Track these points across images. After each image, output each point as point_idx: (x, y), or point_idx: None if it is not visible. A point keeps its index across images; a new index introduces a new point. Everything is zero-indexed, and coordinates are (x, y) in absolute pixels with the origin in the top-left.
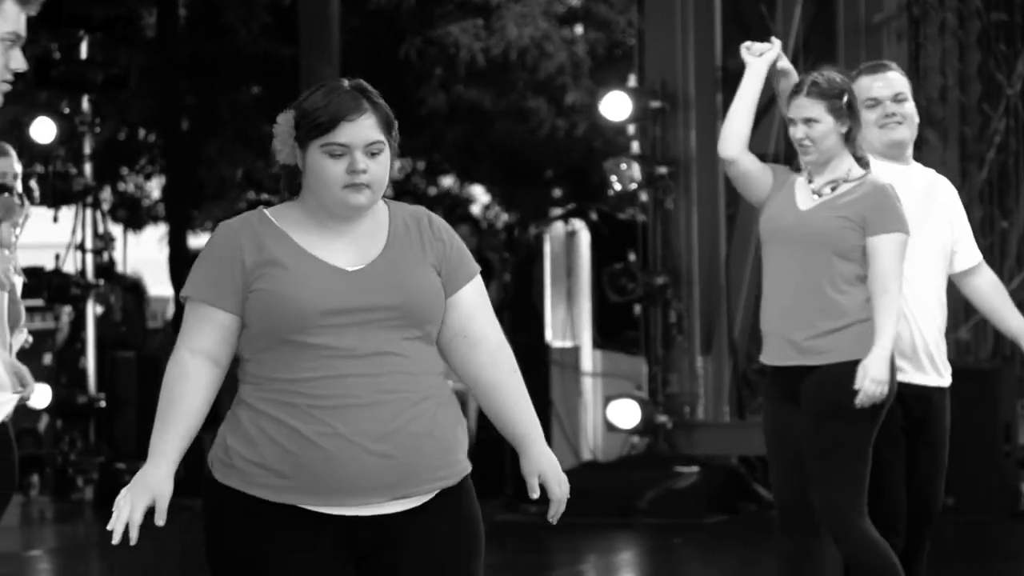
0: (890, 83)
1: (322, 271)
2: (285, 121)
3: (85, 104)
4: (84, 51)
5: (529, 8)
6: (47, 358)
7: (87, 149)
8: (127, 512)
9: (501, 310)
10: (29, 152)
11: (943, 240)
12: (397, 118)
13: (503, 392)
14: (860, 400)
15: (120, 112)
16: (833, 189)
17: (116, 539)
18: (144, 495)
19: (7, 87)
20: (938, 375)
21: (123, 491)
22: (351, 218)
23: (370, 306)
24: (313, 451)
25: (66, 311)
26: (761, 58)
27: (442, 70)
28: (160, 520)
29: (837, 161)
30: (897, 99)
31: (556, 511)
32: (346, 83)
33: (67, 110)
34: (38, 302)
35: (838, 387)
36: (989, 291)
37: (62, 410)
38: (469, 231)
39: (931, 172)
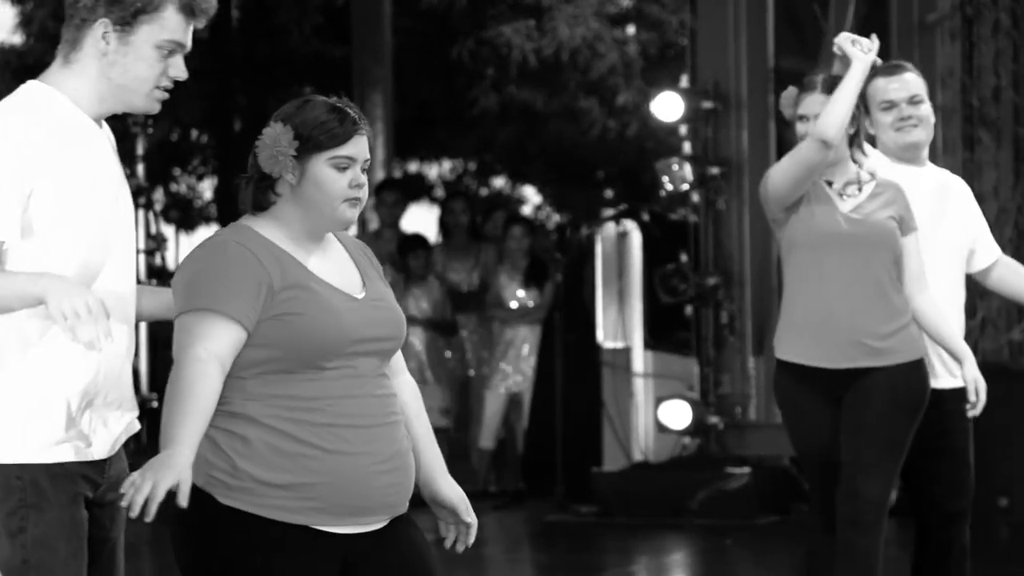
0: (906, 85)
1: (340, 298)
2: (280, 132)
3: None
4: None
5: (581, 9)
6: None
7: (140, 150)
8: (148, 488)
9: (552, 311)
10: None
11: (958, 241)
12: (449, 118)
13: (421, 423)
14: (978, 410)
15: (173, 113)
16: (859, 190)
17: (135, 513)
18: (169, 476)
19: (165, 95)
20: (951, 376)
21: (138, 472)
22: (327, 233)
23: (385, 335)
24: (333, 471)
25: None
26: (869, 55)
27: (494, 71)
28: (184, 502)
29: (845, 162)
30: (913, 101)
31: (472, 536)
32: (336, 99)
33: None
34: None
35: (908, 386)
36: (1012, 276)
37: None
38: (523, 232)
39: (944, 173)
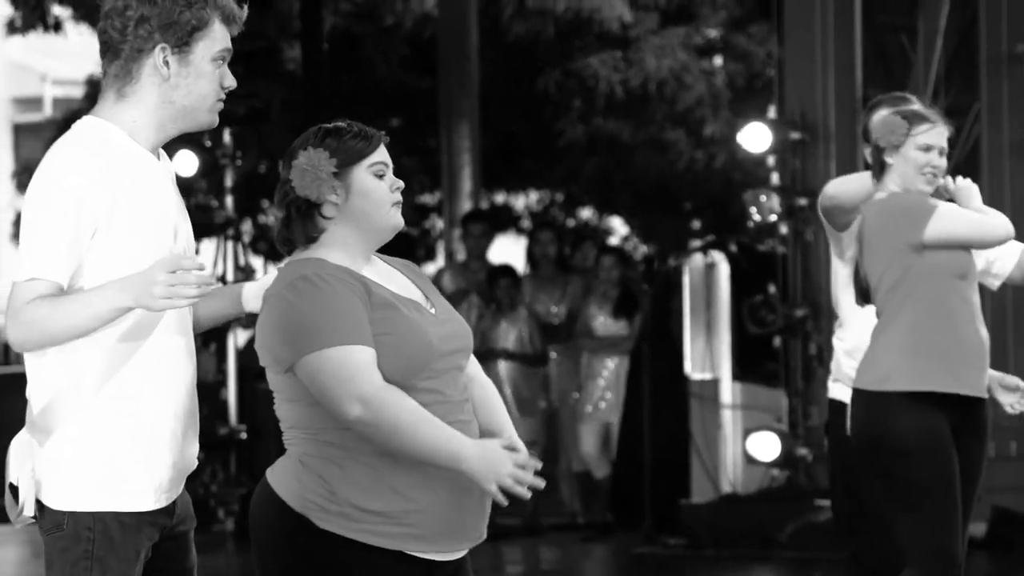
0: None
1: (421, 313)
2: (317, 156)
3: (227, 137)
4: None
5: (668, 40)
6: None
7: (228, 182)
8: (519, 487)
9: (640, 342)
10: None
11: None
12: (535, 150)
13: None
14: None
15: (261, 145)
16: None
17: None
18: (504, 466)
19: (221, 105)
20: None
21: (486, 484)
22: (386, 241)
23: (461, 347)
24: (434, 498)
25: (208, 343)
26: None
27: (581, 102)
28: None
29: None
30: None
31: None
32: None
33: (209, 143)
34: None
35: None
36: None
37: (204, 441)
38: (613, 262)
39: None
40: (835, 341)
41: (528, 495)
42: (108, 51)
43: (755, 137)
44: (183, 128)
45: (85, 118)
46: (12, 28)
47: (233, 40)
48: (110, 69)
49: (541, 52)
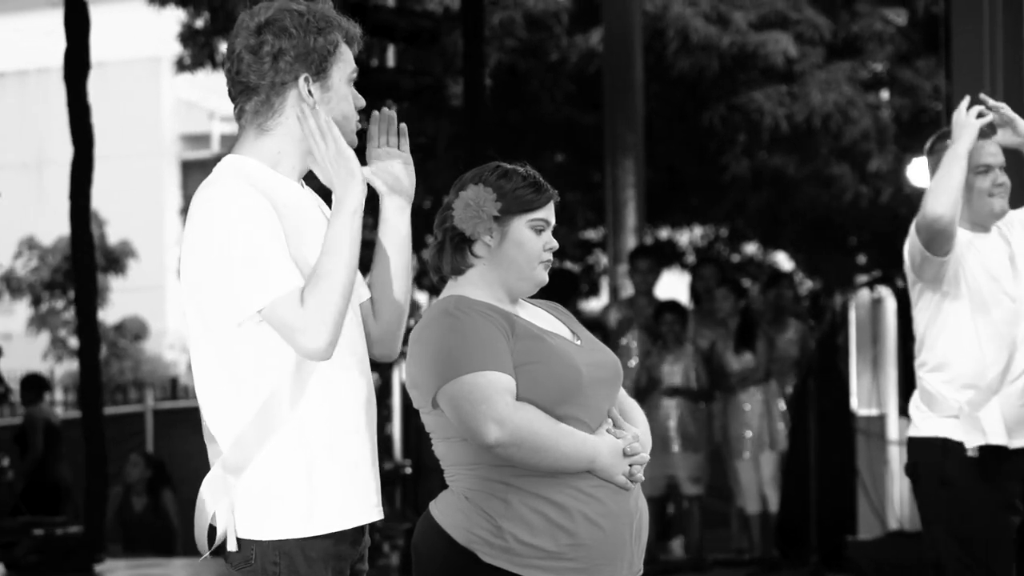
0: (999, 151)
1: (566, 343)
2: (483, 194)
3: None
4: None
5: (834, 74)
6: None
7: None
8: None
9: (806, 378)
10: None
11: None
12: (700, 184)
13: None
14: None
15: (426, 180)
16: None
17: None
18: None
19: (360, 126)
20: None
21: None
22: (528, 294)
23: (610, 376)
24: (595, 531)
25: (372, 378)
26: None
27: (745, 136)
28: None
29: None
30: (1003, 168)
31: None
32: (522, 166)
33: None
34: None
35: None
36: None
37: None
38: (725, 293)
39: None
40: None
41: (640, 479)
42: (244, 90)
43: (922, 172)
44: None
45: (225, 158)
46: (181, 66)
47: (392, 81)
48: (248, 106)
49: (706, 87)
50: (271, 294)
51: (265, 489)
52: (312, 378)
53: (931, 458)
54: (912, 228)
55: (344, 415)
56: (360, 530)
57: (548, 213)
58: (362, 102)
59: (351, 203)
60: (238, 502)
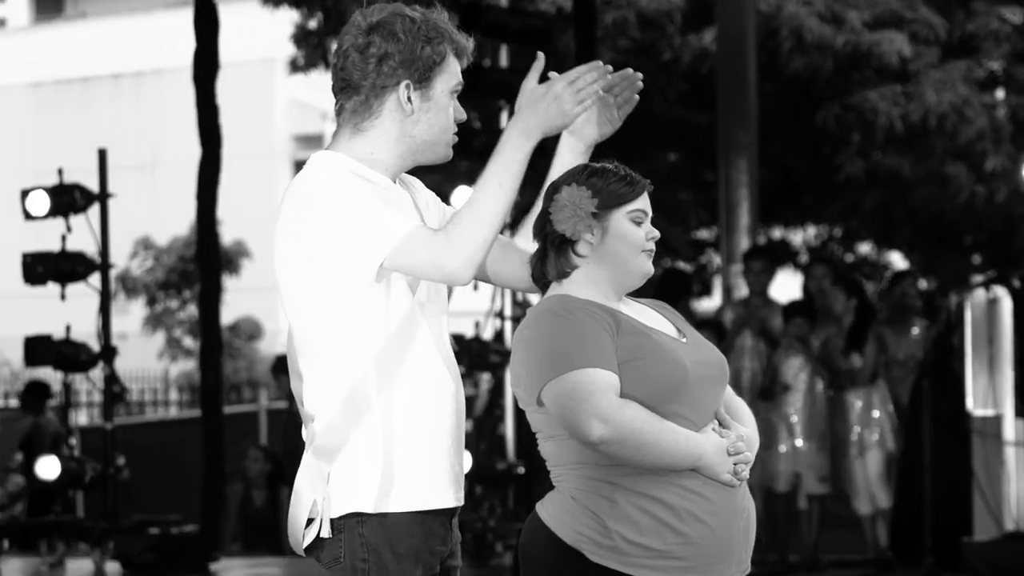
0: None
1: (672, 340)
2: (579, 193)
3: None
4: (503, 121)
5: (949, 73)
6: (467, 425)
7: (506, 219)
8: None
9: (921, 378)
10: None
11: None
12: (813, 184)
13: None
14: None
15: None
16: None
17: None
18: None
19: (456, 139)
20: None
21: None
22: (635, 287)
23: (717, 374)
24: (702, 530)
25: (485, 378)
26: None
27: (860, 136)
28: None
29: None
30: None
31: None
32: (608, 162)
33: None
34: (460, 370)
35: None
36: None
37: (481, 476)
38: (837, 292)
39: None
40: None
41: (745, 478)
42: (346, 87)
43: None
44: (420, 161)
45: (320, 152)
46: (294, 67)
47: (504, 81)
48: (347, 104)
49: (820, 86)
50: (392, 240)
51: (349, 469)
52: (400, 364)
53: None
54: None
55: (427, 402)
56: (447, 525)
57: (644, 203)
58: (463, 115)
59: (534, 137)
60: (341, 487)
